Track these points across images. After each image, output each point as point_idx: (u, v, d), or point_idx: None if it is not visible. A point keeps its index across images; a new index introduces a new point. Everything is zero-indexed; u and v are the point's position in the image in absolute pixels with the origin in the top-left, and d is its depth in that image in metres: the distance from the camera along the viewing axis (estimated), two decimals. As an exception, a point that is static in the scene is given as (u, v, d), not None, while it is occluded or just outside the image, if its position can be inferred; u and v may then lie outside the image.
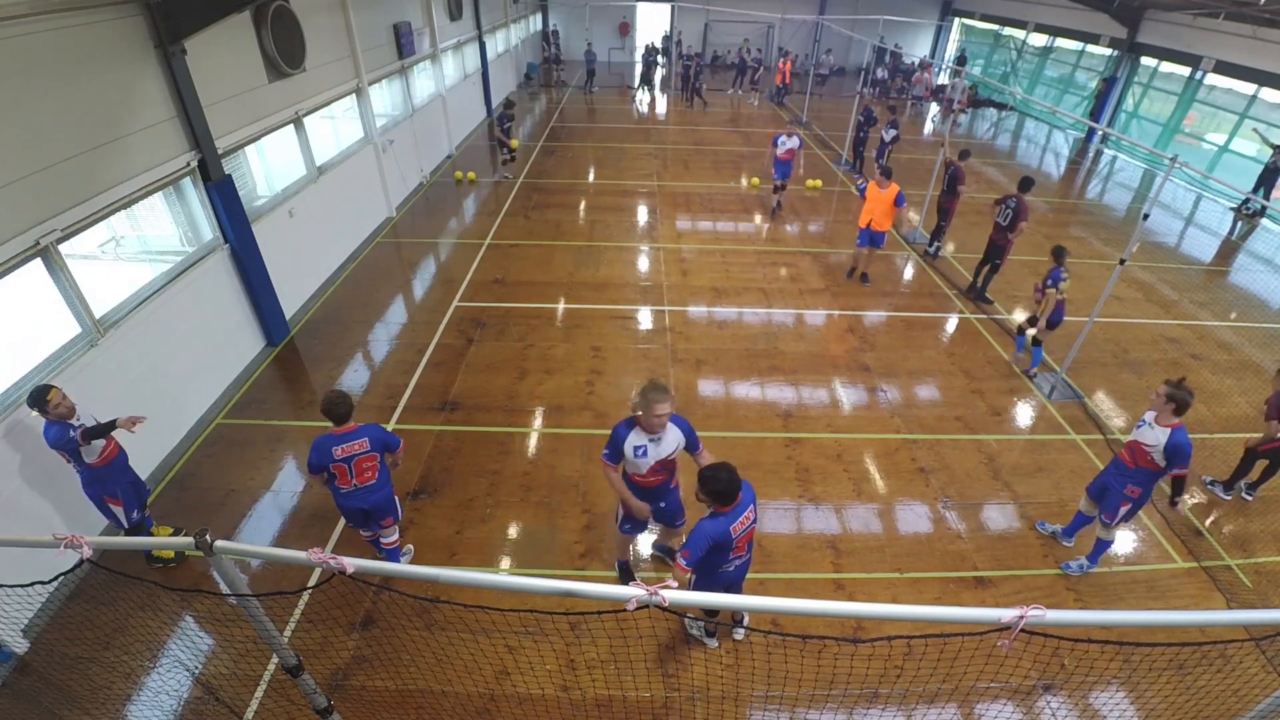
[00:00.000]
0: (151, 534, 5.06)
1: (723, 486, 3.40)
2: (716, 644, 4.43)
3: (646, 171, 14.21)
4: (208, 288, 6.50)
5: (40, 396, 3.98)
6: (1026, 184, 8.45)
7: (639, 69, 22.77)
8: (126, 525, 4.60)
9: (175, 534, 5.15)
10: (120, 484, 4.49)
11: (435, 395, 6.85)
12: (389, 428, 6.35)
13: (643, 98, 22.28)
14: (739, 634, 4.38)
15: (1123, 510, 4.63)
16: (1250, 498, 5.87)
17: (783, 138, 11.10)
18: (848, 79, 27.08)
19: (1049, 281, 7.03)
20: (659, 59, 22.78)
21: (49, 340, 4.81)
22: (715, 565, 3.69)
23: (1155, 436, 4.33)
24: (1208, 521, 5.65)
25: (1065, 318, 7.24)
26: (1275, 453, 5.51)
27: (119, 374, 5.31)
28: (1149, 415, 4.44)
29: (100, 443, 4.28)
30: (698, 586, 3.87)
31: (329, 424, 4.12)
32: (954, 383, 7.34)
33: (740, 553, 3.70)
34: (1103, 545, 4.90)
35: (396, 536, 4.68)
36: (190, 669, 4.21)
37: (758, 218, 11.97)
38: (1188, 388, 4.27)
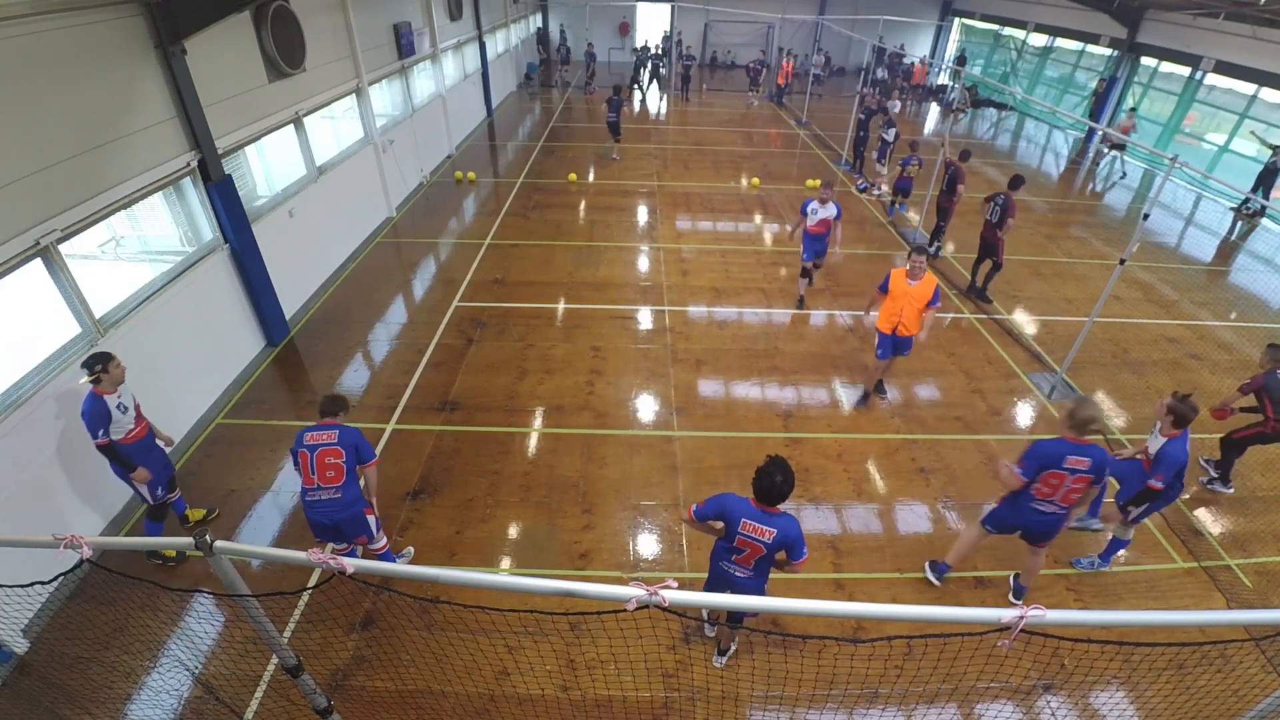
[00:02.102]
0: (186, 516, 5.19)
1: (761, 479, 3.40)
2: (713, 632, 4.47)
3: (647, 171, 14.21)
4: (208, 288, 6.50)
5: (104, 357, 4.17)
6: (1016, 181, 8.46)
7: (645, 71, 22.75)
8: (152, 502, 4.64)
9: (208, 516, 5.29)
10: (145, 461, 4.54)
11: (435, 395, 6.86)
12: (389, 428, 6.35)
13: (641, 96, 22.21)
14: (719, 662, 4.34)
15: (1143, 507, 4.64)
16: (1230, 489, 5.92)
17: (814, 204, 8.06)
18: (848, 79, 27.10)
19: (902, 164, 11.07)
20: (660, 61, 22.78)
21: (49, 340, 4.81)
22: (717, 552, 3.76)
23: (1155, 445, 4.44)
24: (1207, 521, 5.65)
25: (913, 190, 11.56)
26: (1256, 438, 5.54)
27: (119, 374, 5.31)
28: (1157, 426, 4.50)
29: (131, 421, 4.41)
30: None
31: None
32: (954, 383, 7.34)
33: (744, 564, 3.63)
34: (1118, 544, 4.94)
35: (384, 541, 4.58)
36: (190, 669, 4.21)
37: (758, 218, 11.97)
38: (1192, 404, 4.26)
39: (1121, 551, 5.06)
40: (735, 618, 4.16)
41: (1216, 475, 5.94)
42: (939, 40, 28.59)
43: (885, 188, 13.25)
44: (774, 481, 3.36)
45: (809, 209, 8.10)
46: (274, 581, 4.81)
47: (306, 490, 4.13)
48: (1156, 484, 4.32)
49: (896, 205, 12.16)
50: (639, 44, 26.10)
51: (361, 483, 4.26)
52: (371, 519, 4.37)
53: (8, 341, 4.60)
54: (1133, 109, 16.25)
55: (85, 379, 4.19)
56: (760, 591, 3.77)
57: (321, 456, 4.05)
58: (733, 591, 3.77)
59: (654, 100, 22.29)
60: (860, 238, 11.18)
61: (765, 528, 3.45)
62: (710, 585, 3.95)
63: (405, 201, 12.04)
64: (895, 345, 6.44)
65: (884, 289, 6.22)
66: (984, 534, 4.58)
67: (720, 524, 3.60)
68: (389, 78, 11.32)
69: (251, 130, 7.18)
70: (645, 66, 23.53)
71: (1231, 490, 5.89)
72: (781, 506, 3.47)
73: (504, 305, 8.63)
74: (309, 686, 2.88)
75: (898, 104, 16.74)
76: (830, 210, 8.05)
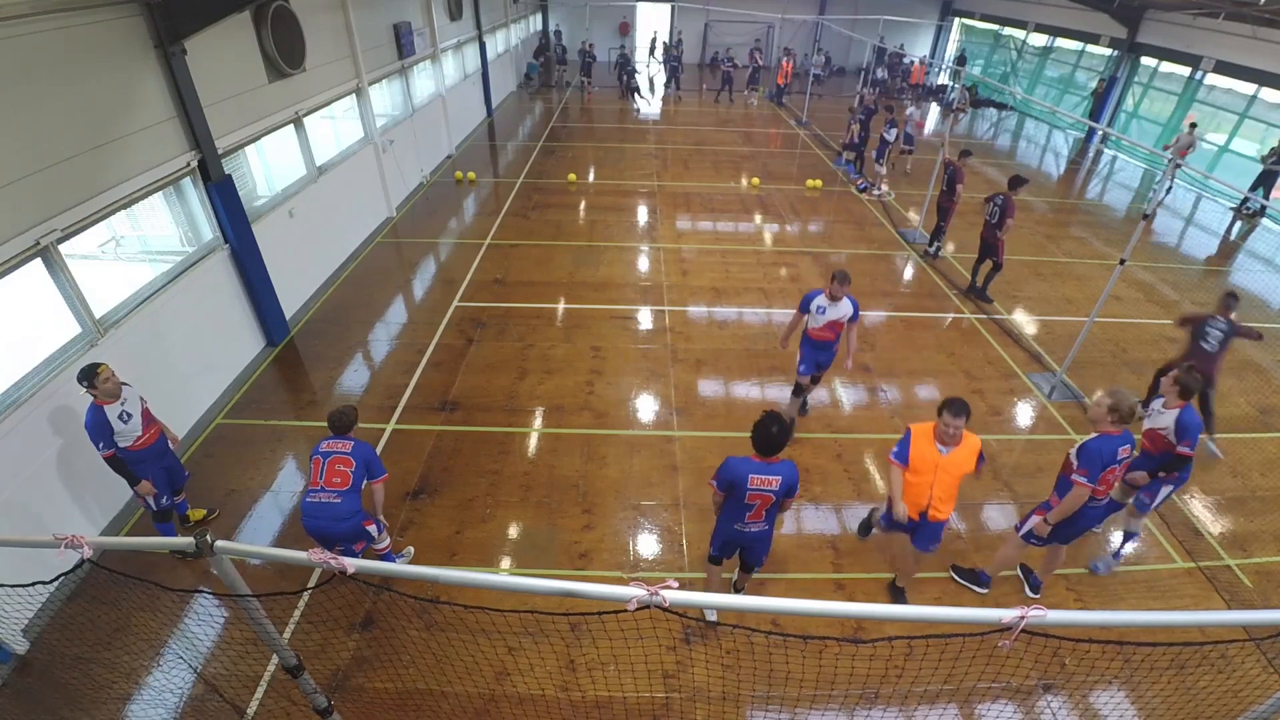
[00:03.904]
0: (187, 516, 5.22)
1: (758, 431, 3.64)
2: (714, 616, 4.57)
3: (646, 171, 14.21)
4: (208, 288, 6.50)
5: (89, 372, 4.14)
6: (1015, 182, 8.46)
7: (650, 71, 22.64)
8: (155, 509, 4.66)
9: (208, 515, 5.34)
10: (153, 469, 4.56)
11: (435, 395, 6.86)
12: (389, 428, 6.35)
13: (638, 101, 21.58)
14: (710, 615, 4.53)
15: (1164, 490, 4.71)
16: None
17: (820, 299, 5.67)
18: (848, 79, 27.10)
19: (853, 120, 13.92)
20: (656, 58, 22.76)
21: (49, 340, 4.81)
22: (731, 513, 3.94)
23: (1167, 420, 4.49)
24: (1207, 521, 5.65)
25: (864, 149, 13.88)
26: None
27: (119, 374, 5.29)
28: (1156, 403, 4.60)
29: (137, 428, 4.39)
30: (715, 529, 4.20)
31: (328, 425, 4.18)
32: (954, 383, 7.33)
33: (756, 519, 3.88)
34: (1129, 537, 4.97)
35: (387, 542, 4.58)
36: (191, 669, 4.21)
37: (758, 218, 11.97)
38: (1196, 374, 4.42)
39: (1131, 545, 5.05)
40: (747, 567, 4.42)
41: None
42: (939, 40, 28.59)
43: (885, 186, 13.27)
44: (770, 433, 3.60)
45: (814, 304, 5.68)
46: (274, 581, 4.81)
47: (309, 491, 4.13)
48: (1186, 449, 4.42)
49: (851, 165, 14.14)
50: (654, 36, 26.16)
51: (368, 494, 4.28)
52: (372, 528, 4.36)
53: (8, 341, 4.60)
54: (1193, 124, 14.19)
55: (83, 393, 4.21)
56: (769, 538, 4.13)
57: (333, 463, 4.10)
58: (746, 546, 4.17)
59: (658, 99, 22.28)
60: (860, 238, 11.19)
61: (771, 477, 3.68)
62: (720, 545, 4.24)
63: (405, 201, 12.03)
64: (925, 537, 4.33)
65: (901, 457, 4.15)
66: (1058, 551, 4.63)
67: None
68: (389, 78, 11.32)
69: (251, 130, 7.18)
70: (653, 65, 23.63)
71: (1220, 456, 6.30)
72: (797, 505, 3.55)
73: (504, 305, 8.63)
74: (309, 686, 2.88)
75: (915, 110, 15.13)
76: (844, 309, 5.62)
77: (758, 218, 11.97)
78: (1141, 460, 4.75)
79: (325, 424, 4.26)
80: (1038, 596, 4.84)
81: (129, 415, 4.34)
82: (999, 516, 5.59)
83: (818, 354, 5.93)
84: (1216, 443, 6.34)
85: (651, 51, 25.90)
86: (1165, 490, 4.71)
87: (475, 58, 17.10)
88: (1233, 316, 5.87)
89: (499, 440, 6.26)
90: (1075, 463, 4.04)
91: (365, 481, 4.21)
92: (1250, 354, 8.12)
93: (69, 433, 4.74)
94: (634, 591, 1.86)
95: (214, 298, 6.63)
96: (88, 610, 4.52)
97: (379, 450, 6.06)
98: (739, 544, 4.17)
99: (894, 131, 12.85)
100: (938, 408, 4.01)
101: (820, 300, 5.67)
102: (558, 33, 27.48)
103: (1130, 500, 4.91)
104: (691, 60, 28.00)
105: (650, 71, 25.66)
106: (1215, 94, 15.37)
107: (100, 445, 4.24)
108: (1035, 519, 4.38)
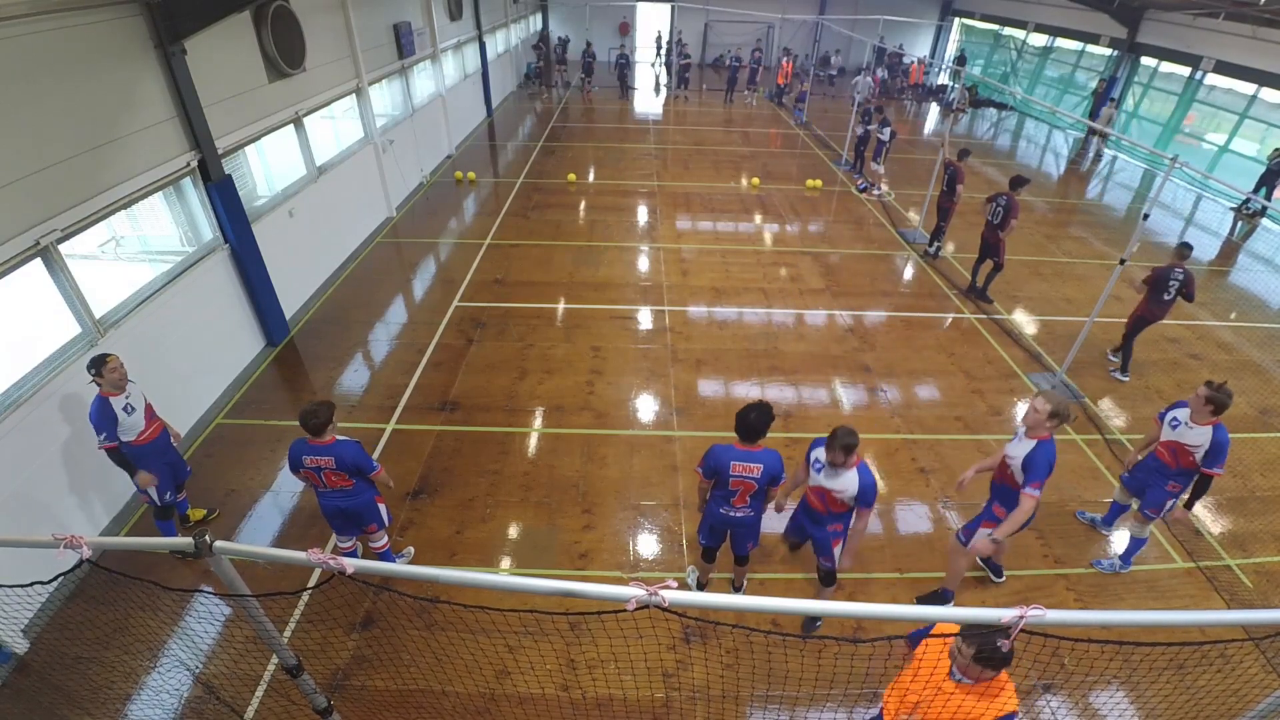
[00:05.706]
0: (187, 516, 5.24)
1: (738, 418, 3.78)
2: (694, 578, 4.73)
3: (646, 171, 14.21)
4: (208, 288, 6.50)
5: (98, 361, 4.21)
6: (1017, 182, 8.45)
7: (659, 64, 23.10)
8: (159, 504, 4.69)
9: (208, 515, 5.35)
10: (157, 465, 4.59)
11: (435, 395, 6.86)
12: (389, 428, 6.35)
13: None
14: (691, 579, 4.73)
15: (1168, 504, 4.69)
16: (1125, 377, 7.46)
17: (818, 454, 4.00)
18: (848, 79, 27.09)
19: (803, 80, 15.56)
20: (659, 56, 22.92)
21: (49, 340, 4.81)
22: (715, 498, 4.10)
23: (1198, 436, 4.36)
24: (1207, 521, 5.65)
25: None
26: (1135, 323, 7.26)
27: (119, 374, 5.31)
28: (1181, 414, 4.46)
29: (140, 423, 4.45)
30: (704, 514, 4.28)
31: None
32: (954, 383, 7.33)
33: (741, 503, 4.00)
34: (1137, 544, 4.95)
35: (385, 540, 4.59)
36: (190, 669, 4.21)
37: (758, 217, 11.97)
38: (1228, 390, 4.30)
39: (1139, 551, 5.03)
40: (740, 558, 4.51)
41: (1118, 364, 7.53)
42: (939, 40, 28.59)
43: (885, 186, 13.27)
44: (749, 419, 3.73)
45: (813, 456, 4.07)
46: (274, 581, 4.81)
47: (318, 488, 4.20)
48: (1219, 471, 4.31)
49: (800, 111, 17.61)
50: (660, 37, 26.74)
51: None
52: (382, 507, 4.41)
53: (8, 341, 4.59)
54: (1113, 99, 17.82)
55: (90, 382, 4.25)
56: (758, 523, 4.19)
57: (328, 476, 4.09)
58: (733, 531, 4.24)
59: (662, 97, 22.29)
60: (860, 238, 11.19)
61: (752, 464, 3.80)
62: (707, 531, 4.32)
63: (405, 201, 12.04)
64: None
65: (914, 642, 2.72)
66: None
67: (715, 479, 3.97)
68: (389, 78, 11.32)
69: (251, 130, 7.18)
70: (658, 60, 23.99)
71: (1128, 379, 7.43)
72: (788, 501, 3.53)
73: (504, 305, 8.63)
74: (309, 686, 2.88)
75: (869, 79, 15.32)
76: (846, 484, 3.88)
77: (758, 218, 11.97)
78: (1158, 471, 4.68)
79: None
80: (1003, 580, 4.94)
81: (132, 408, 4.41)
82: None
83: (805, 518, 4.37)
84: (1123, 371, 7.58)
85: (659, 51, 26.23)
86: (1171, 503, 4.70)
87: (475, 58, 17.10)
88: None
89: (499, 440, 6.26)
90: (1022, 475, 3.88)
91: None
92: (1249, 355, 8.12)
93: (69, 432, 4.74)
94: (633, 591, 1.86)
95: (214, 298, 6.63)
96: (87, 610, 4.52)
97: (378, 452, 6.06)
98: (726, 528, 4.26)
99: (887, 130, 12.84)
100: (959, 640, 2.43)
101: (817, 455, 4.01)
102: (560, 40, 27.36)
103: (1135, 508, 4.89)
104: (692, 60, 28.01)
105: (655, 70, 25.99)
106: (1215, 94, 15.37)
107: (103, 436, 4.26)
108: (983, 533, 4.19)
